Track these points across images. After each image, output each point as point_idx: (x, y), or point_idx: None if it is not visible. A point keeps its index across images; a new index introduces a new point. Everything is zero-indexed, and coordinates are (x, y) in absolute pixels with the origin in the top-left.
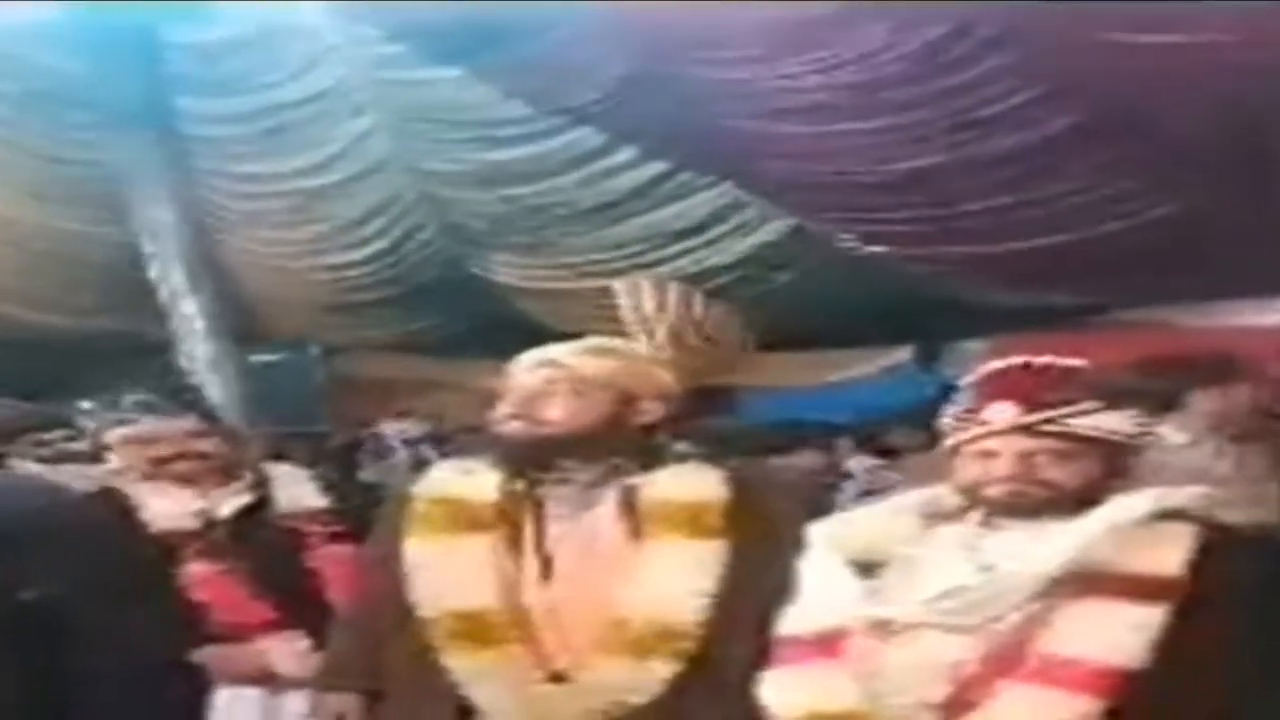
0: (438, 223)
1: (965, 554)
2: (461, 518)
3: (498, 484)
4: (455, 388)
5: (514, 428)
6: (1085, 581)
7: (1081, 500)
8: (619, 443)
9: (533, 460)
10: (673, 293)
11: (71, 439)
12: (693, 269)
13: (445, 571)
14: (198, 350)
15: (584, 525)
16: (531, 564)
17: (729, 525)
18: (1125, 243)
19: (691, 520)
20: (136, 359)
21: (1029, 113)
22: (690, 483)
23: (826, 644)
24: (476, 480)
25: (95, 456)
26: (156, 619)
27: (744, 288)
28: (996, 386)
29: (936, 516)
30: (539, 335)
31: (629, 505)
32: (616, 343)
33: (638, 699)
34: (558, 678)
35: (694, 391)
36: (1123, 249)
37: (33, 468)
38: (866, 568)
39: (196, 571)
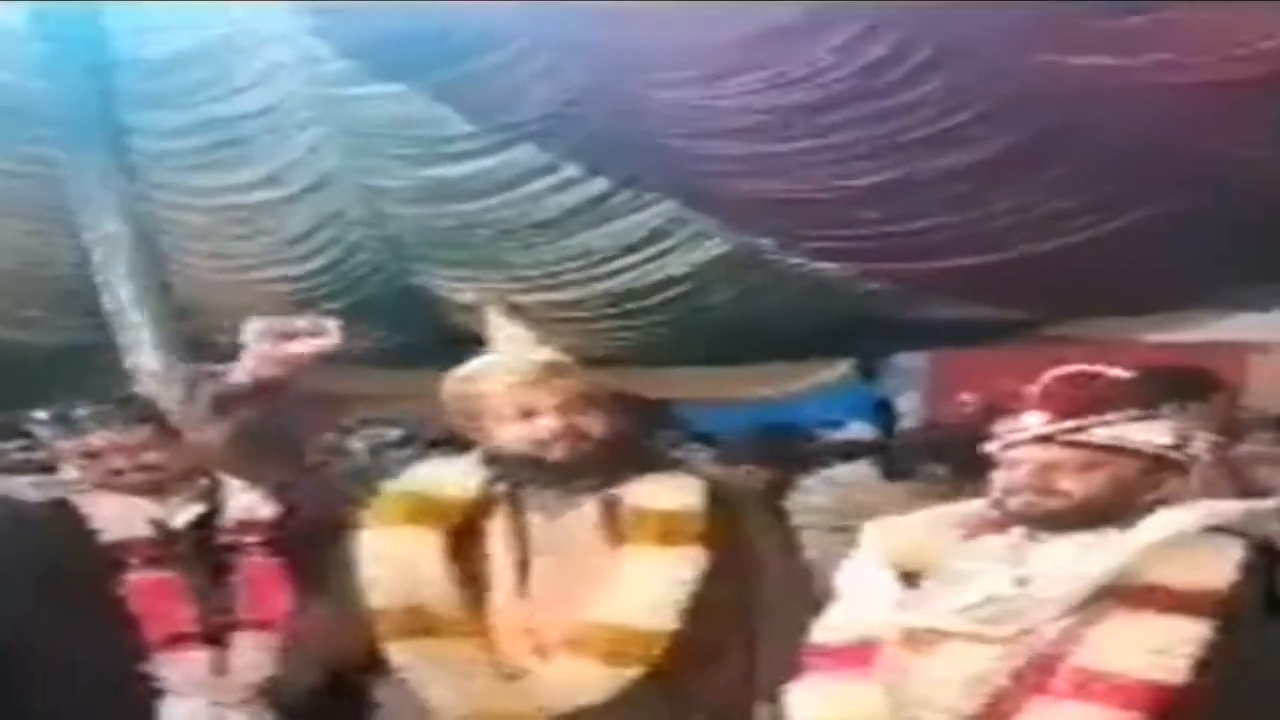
0: (383, 237)
1: (1004, 565)
2: (426, 511)
3: (479, 483)
4: (400, 400)
5: (562, 449)
6: (1125, 595)
7: (1124, 512)
8: (626, 453)
9: (556, 472)
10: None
11: (28, 449)
12: (635, 284)
13: (400, 563)
14: (146, 362)
15: (563, 529)
16: (506, 563)
17: (705, 534)
18: (1066, 258)
19: (668, 528)
20: (90, 370)
21: (969, 132)
22: (669, 491)
23: (860, 654)
24: (457, 477)
25: (50, 467)
26: (103, 629)
27: (685, 303)
28: (1034, 397)
29: (977, 527)
30: (483, 349)
31: (610, 512)
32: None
33: (587, 699)
34: (508, 675)
35: (635, 406)
36: (1062, 265)
37: None
38: (907, 576)
39: (136, 580)
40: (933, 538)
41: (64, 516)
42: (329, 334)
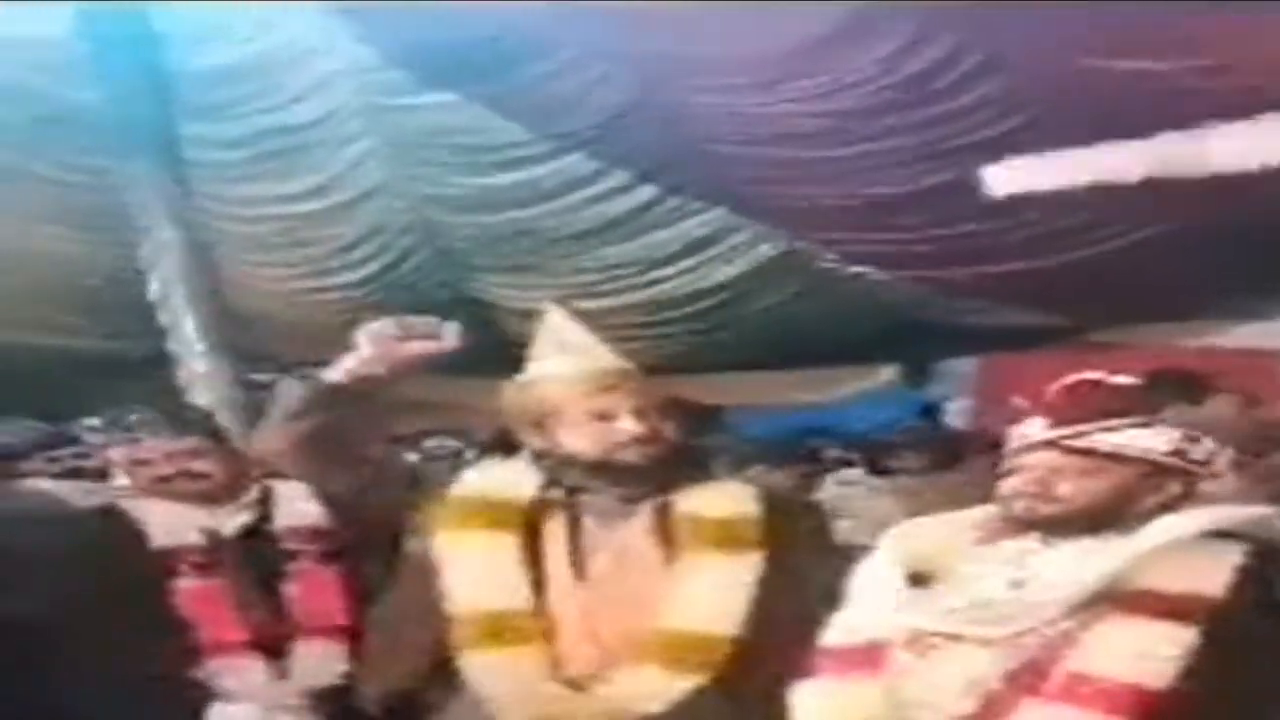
0: (431, 246)
1: (1003, 568)
2: (492, 516)
3: (536, 487)
4: (451, 408)
5: (638, 452)
6: (1120, 600)
7: (1127, 518)
8: (688, 460)
9: (619, 477)
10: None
11: (82, 456)
12: (683, 290)
13: (472, 569)
14: (197, 369)
15: (618, 537)
16: (563, 569)
17: (762, 541)
18: (1111, 264)
19: (725, 536)
20: (143, 378)
21: (1016, 138)
22: (723, 499)
23: (868, 656)
24: (514, 481)
25: (103, 473)
26: (153, 634)
27: (732, 308)
28: (1040, 403)
29: (990, 532)
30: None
31: (662, 521)
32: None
33: (650, 708)
34: (571, 682)
35: (683, 411)
36: (1108, 270)
37: (45, 484)
38: (919, 579)
39: (187, 586)
40: (949, 540)
41: (115, 523)
42: (446, 337)
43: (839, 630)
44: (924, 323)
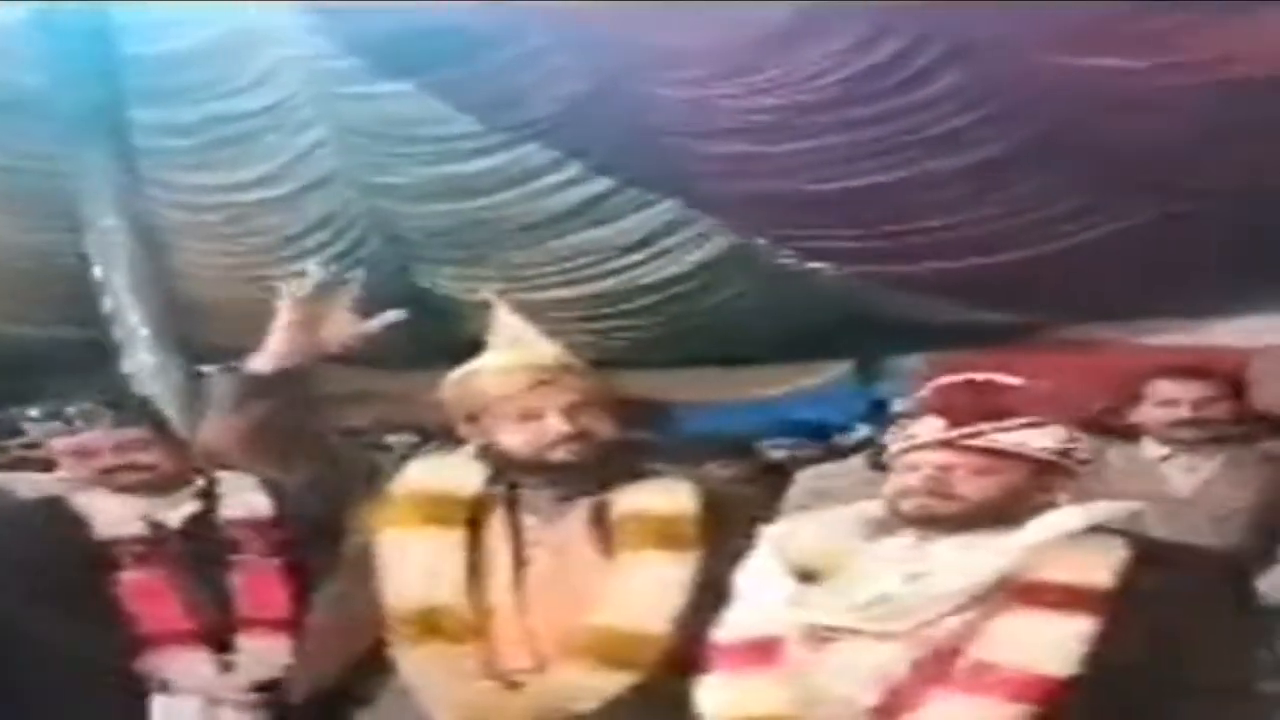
0: (382, 235)
1: (897, 564)
2: (435, 510)
3: (480, 481)
4: (396, 399)
5: (567, 450)
6: (1016, 592)
7: (1013, 514)
8: (625, 457)
9: (556, 474)
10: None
11: (29, 446)
12: (636, 283)
13: (411, 563)
14: (143, 359)
15: (556, 533)
16: (503, 565)
17: (700, 538)
18: (1067, 261)
19: (663, 533)
20: (90, 368)
21: (975, 133)
22: (662, 496)
23: (763, 651)
24: (458, 475)
25: (49, 464)
26: (96, 627)
27: (685, 302)
28: (931, 402)
29: (875, 528)
30: (482, 348)
31: (601, 518)
32: (567, 355)
33: (581, 707)
34: (504, 679)
35: (630, 406)
36: (1064, 268)
37: None
38: (807, 576)
39: (131, 579)
40: (833, 539)
41: (58, 513)
42: (367, 319)
43: (731, 625)
44: (876, 318)
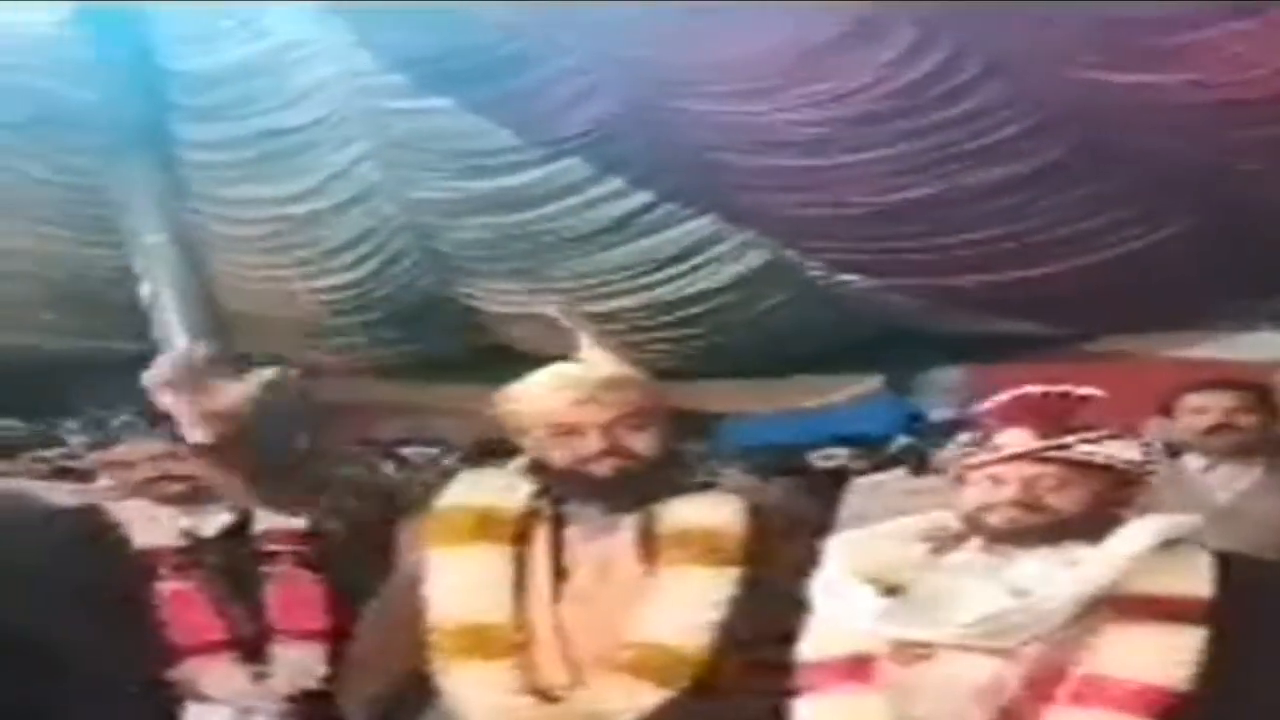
0: (422, 249)
1: (992, 579)
2: (483, 527)
3: (526, 497)
4: (433, 413)
5: (606, 466)
6: (1118, 605)
7: (1091, 527)
8: (670, 472)
9: (599, 489)
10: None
11: (70, 457)
12: (673, 297)
13: (458, 581)
14: None
15: (602, 547)
16: (544, 579)
17: (745, 554)
18: (1101, 274)
19: (707, 547)
20: (129, 381)
21: (1017, 146)
22: (708, 510)
23: (855, 669)
24: (504, 491)
25: (90, 474)
26: (131, 635)
27: (723, 315)
28: (1011, 413)
29: (944, 541)
30: (520, 360)
31: (648, 531)
32: (623, 369)
33: None
34: (543, 694)
35: (681, 419)
36: (1099, 281)
37: (30, 485)
38: (881, 588)
39: (168, 588)
40: (900, 551)
41: (96, 523)
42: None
43: (816, 643)
44: (911, 331)
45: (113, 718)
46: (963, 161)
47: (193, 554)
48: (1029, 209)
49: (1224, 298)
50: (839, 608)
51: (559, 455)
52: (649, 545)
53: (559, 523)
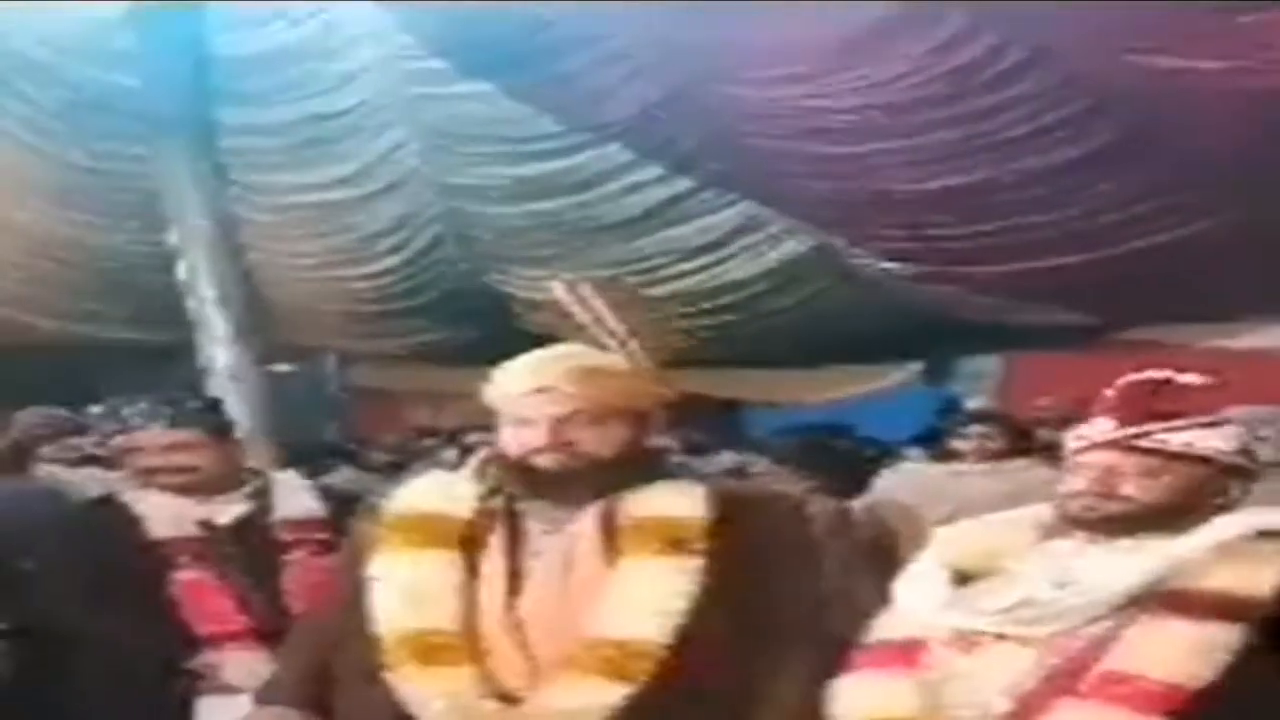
0: (459, 236)
1: (1048, 568)
2: (429, 533)
3: (475, 498)
4: (469, 399)
5: (550, 460)
6: (1165, 599)
7: (1188, 517)
8: (630, 465)
9: (549, 484)
10: (621, 293)
11: (100, 444)
12: (710, 284)
13: (406, 589)
14: (219, 359)
15: (561, 542)
16: (499, 580)
17: (708, 544)
18: (1141, 263)
19: (668, 538)
20: (159, 369)
21: (1057, 134)
22: (671, 500)
23: (902, 653)
24: (452, 494)
25: (114, 461)
26: (147, 624)
27: (759, 303)
28: (1105, 402)
29: (1045, 532)
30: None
31: (609, 522)
32: (606, 359)
33: None
34: (506, 697)
35: (698, 406)
36: (1138, 269)
37: (59, 471)
38: (964, 578)
39: (185, 578)
40: (1007, 539)
41: (113, 513)
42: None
43: (881, 627)
44: (947, 319)
45: (132, 708)
46: (1005, 149)
47: (210, 543)
48: (1071, 196)
49: (1263, 288)
50: (912, 595)
51: (513, 445)
52: (610, 538)
53: (516, 520)
